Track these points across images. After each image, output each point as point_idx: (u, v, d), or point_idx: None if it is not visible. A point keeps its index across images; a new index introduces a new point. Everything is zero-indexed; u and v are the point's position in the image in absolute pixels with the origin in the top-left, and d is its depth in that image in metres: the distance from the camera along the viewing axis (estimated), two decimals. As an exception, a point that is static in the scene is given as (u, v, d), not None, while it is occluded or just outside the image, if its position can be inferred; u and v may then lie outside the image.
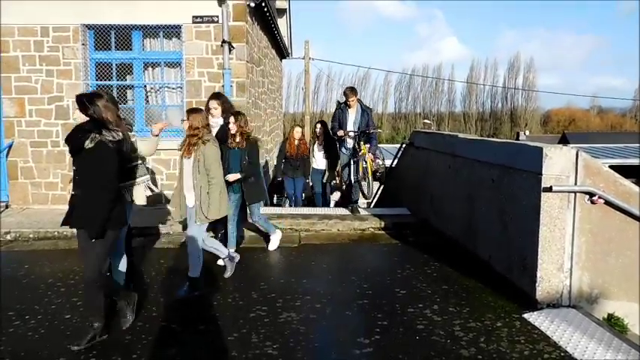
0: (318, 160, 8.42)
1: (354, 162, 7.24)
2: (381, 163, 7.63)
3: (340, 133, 7.19)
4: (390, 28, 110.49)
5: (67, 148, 3.67)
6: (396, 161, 9.00)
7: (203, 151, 4.32)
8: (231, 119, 5.23)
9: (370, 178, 7.07)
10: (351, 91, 7.28)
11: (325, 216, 7.19)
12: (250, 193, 5.39)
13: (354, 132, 7.20)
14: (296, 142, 8.26)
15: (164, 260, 5.55)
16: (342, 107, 7.32)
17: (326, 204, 8.89)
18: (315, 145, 8.43)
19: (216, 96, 5.64)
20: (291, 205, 8.66)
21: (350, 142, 7.32)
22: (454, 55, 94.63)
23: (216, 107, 5.46)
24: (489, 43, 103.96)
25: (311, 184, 8.68)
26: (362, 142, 7.14)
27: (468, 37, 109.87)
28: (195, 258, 4.48)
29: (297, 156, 8.20)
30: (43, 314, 4.06)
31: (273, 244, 5.94)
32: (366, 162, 7.05)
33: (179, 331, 3.74)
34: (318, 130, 8.39)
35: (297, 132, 8.33)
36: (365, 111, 7.29)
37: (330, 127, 7.70)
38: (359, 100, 7.38)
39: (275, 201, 10.07)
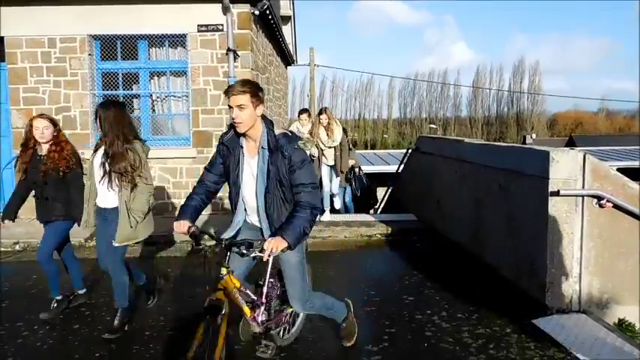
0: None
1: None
2: None
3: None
4: (401, 33, 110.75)
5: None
6: (402, 167, 8.98)
7: None
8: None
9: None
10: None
11: (332, 223, 7.19)
12: None
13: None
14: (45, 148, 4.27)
15: (171, 269, 5.56)
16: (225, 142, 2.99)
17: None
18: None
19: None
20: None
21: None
22: (463, 60, 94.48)
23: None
24: (500, 48, 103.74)
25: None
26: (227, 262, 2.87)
27: (479, 42, 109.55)
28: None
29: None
30: (51, 324, 4.07)
31: None
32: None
33: (185, 340, 3.73)
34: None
35: (37, 127, 4.20)
36: (276, 150, 2.81)
37: None
38: (264, 117, 2.87)
39: None
